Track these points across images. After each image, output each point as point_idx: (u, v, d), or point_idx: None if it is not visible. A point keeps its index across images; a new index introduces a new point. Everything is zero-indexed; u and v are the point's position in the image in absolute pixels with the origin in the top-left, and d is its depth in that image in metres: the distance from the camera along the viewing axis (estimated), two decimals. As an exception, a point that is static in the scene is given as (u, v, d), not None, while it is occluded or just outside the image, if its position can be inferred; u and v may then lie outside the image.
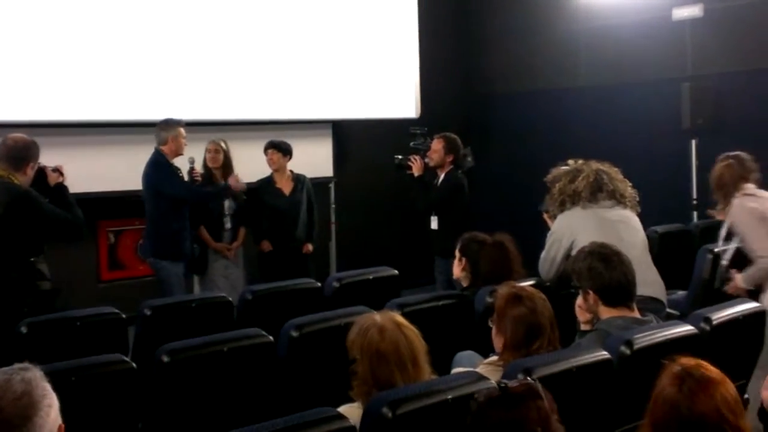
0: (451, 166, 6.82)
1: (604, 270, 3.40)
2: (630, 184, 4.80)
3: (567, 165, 4.75)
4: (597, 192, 4.45)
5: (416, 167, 6.72)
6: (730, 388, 2.19)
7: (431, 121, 10.06)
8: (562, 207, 4.44)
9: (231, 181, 6.50)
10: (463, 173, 6.93)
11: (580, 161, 4.75)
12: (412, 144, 7.16)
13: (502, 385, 2.07)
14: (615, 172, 4.75)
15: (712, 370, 2.24)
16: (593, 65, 9.59)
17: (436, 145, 6.83)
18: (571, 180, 4.46)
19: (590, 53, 9.64)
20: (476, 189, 10.89)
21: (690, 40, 8.79)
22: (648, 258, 4.43)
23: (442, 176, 6.79)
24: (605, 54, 9.42)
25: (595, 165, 4.68)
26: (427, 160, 6.79)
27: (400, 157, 7.00)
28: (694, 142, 8.46)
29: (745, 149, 8.33)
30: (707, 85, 8.33)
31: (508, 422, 1.94)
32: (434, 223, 6.72)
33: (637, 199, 4.75)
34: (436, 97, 10.19)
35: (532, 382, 2.05)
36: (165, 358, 3.18)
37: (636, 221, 4.60)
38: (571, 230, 4.36)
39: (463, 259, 4.39)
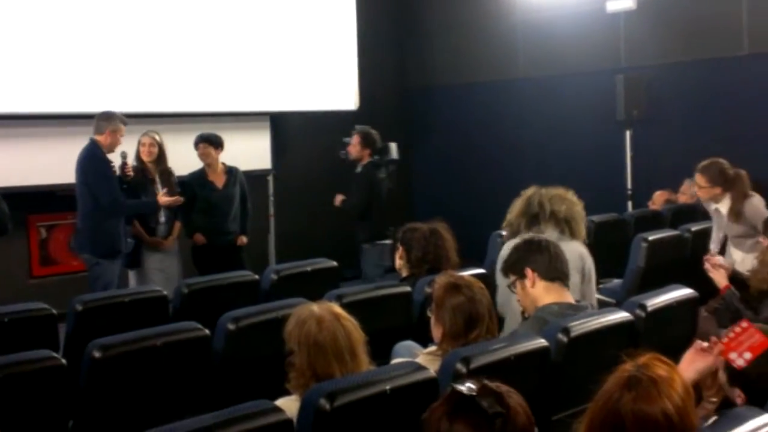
0: (369, 159, 7.24)
1: (536, 249, 3.47)
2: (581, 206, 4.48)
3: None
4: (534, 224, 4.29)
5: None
6: (678, 385, 2.15)
7: (371, 113, 10.05)
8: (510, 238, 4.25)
9: (161, 199, 6.36)
10: (384, 166, 7.37)
11: (531, 190, 4.49)
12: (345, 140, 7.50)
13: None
14: (563, 198, 4.40)
15: (661, 368, 2.18)
16: (531, 57, 9.67)
17: (354, 139, 7.29)
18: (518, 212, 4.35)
19: (528, 45, 9.71)
20: (417, 180, 10.96)
21: (624, 32, 8.92)
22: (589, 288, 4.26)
23: (359, 170, 7.29)
24: (542, 46, 9.50)
25: (542, 193, 4.42)
26: (344, 153, 7.29)
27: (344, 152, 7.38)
28: (628, 133, 8.59)
29: (678, 140, 8.54)
30: (641, 76, 8.46)
31: None
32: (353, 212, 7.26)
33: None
34: (376, 90, 10.18)
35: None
36: (96, 354, 3.10)
37: (577, 253, 4.25)
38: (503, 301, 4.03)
39: (401, 249, 4.38)
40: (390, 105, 10.59)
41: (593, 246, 6.26)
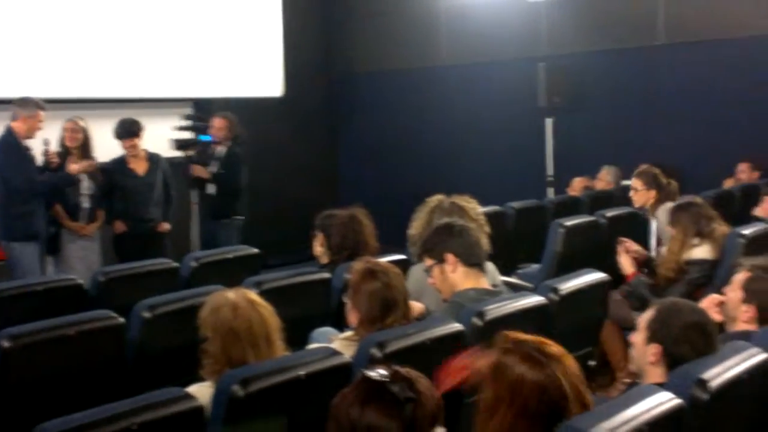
0: (230, 142, 7.52)
1: (457, 234, 3.50)
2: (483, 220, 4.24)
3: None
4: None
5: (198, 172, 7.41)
6: (571, 362, 2.23)
7: (296, 99, 10.03)
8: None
9: (71, 167, 6.23)
10: (240, 147, 7.63)
11: (436, 199, 4.30)
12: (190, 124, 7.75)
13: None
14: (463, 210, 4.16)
15: (555, 347, 2.27)
16: (454, 44, 9.75)
17: (220, 123, 7.47)
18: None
19: (451, 33, 9.79)
20: (342, 166, 10.97)
21: (545, 21, 9.06)
22: None
23: (223, 150, 7.47)
24: (465, 33, 9.59)
25: (444, 207, 4.19)
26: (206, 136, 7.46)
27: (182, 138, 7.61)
28: (549, 121, 8.74)
29: (598, 127, 8.72)
30: (562, 64, 8.61)
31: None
32: (211, 189, 7.43)
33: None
34: (301, 76, 10.15)
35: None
36: (5, 344, 3.03)
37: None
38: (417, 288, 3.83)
39: (321, 235, 4.38)
40: (315, 91, 10.57)
41: (513, 232, 6.42)
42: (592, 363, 3.98)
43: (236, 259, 4.83)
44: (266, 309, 2.82)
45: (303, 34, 10.23)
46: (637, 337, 2.74)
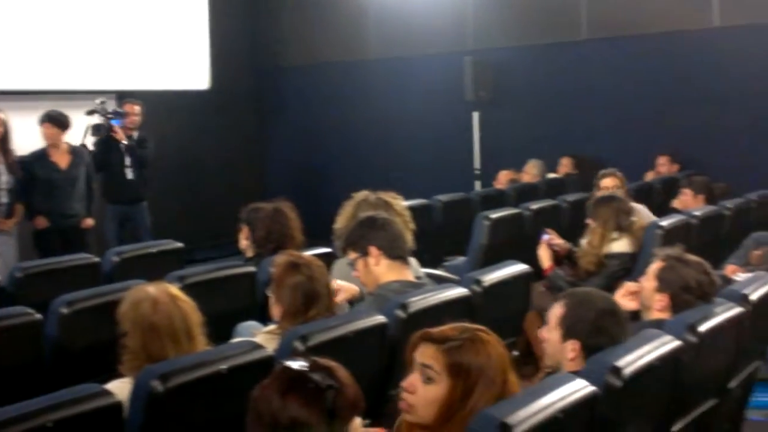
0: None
1: (380, 226, 3.52)
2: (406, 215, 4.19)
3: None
4: None
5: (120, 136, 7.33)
6: (500, 347, 2.30)
7: (223, 92, 9.94)
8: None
9: None
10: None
11: (362, 194, 4.27)
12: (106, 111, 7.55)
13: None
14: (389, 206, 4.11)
15: (486, 332, 2.33)
16: (382, 38, 9.78)
17: (139, 109, 7.62)
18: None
19: (379, 26, 9.82)
20: (271, 159, 10.90)
21: (472, 15, 9.15)
22: None
23: (139, 135, 7.57)
24: (393, 27, 9.63)
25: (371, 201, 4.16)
26: (121, 123, 7.39)
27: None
28: (476, 114, 8.83)
29: (523, 121, 8.85)
30: (488, 59, 8.71)
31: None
32: (130, 174, 7.40)
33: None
34: (228, 69, 10.06)
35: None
36: None
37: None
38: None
39: (246, 229, 4.35)
40: (243, 84, 10.48)
41: (440, 225, 6.48)
42: (515, 353, 4.04)
43: (160, 253, 4.77)
44: (187, 303, 2.79)
45: (230, 25, 10.13)
46: (551, 335, 2.78)
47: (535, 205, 6.05)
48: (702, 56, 7.95)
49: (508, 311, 3.93)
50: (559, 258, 4.99)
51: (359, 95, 9.92)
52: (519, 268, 4.01)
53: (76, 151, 6.76)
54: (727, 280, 4.25)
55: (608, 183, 5.78)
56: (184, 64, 9.54)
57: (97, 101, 7.41)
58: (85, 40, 8.41)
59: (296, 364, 1.94)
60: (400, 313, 3.21)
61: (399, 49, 9.56)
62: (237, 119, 10.53)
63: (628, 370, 2.44)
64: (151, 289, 2.79)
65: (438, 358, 2.22)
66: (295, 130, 10.54)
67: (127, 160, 7.33)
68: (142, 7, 8.98)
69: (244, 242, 4.39)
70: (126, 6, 8.84)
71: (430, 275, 4.20)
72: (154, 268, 4.42)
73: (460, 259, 5.78)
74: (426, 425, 2.22)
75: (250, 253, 4.37)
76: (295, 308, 3.09)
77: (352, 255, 3.56)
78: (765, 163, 7.41)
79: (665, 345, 2.68)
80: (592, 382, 2.35)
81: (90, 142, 7.33)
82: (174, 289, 2.84)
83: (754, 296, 3.27)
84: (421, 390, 2.22)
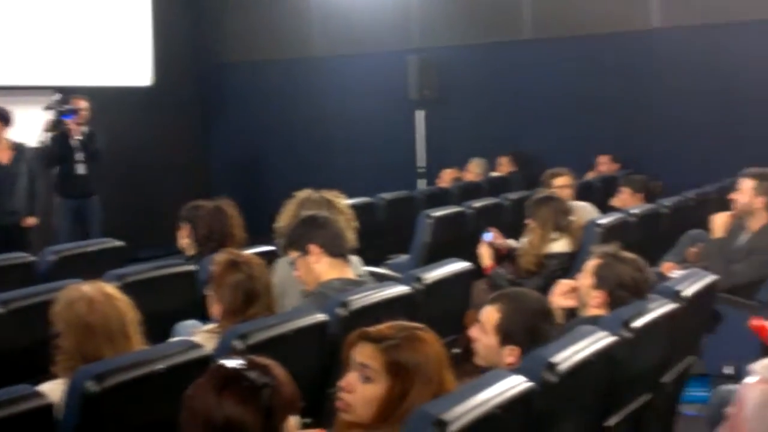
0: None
1: (321, 225, 3.52)
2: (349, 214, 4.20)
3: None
4: None
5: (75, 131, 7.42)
6: (438, 345, 2.33)
7: (166, 89, 9.82)
8: None
9: None
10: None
11: (304, 192, 4.25)
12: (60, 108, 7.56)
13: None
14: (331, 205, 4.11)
15: (424, 329, 2.36)
16: (326, 36, 9.76)
17: (87, 103, 7.66)
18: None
19: (323, 24, 9.80)
20: (214, 157, 10.80)
21: (416, 14, 9.18)
22: None
23: (87, 130, 7.59)
24: (337, 25, 9.62)
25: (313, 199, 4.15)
26: (73, 119, 7.42)
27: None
28: (421, 113, 8.86)
29: (467, 120, 8.91)
30: (432, 57, 8.74)
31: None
32: (82, 169, 7.48)
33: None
34: (172, 66, 9.95)
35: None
36: None
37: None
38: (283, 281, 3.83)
39: (186, 227, 4.31)
40: (186, 81, 10.38)
41: (384, 223, 6.49)
42: (456, 350, 4.07)
43: (99, 252, 4.70)
44: (123, 302, 2.75)
45: (173, 21, 10.02)
46: (488, 339, 2.81)
47: (477, 204, 6.10)
48: (641, 57, 8.09)
49: (449, 309, 3.96)
50: (500, 257, 5.04)
51: (303, 93, 9.89)
52: (460, 266, 4.04)
53: (18, 148, 6.64)
54: (664, 277, 4.33)
55: (560, 182, 5.85)
56: (127, 60, 9.42)
57: (53, 97, 7.42)
58: (27, 36, 8.26)
59: (232, 362, 1.93)
60: (341, 311, 3.21)
61: (343, 47, 9.56)
62: (180, 116, 10.42)
63: (563, 366, 2.48)
64: (86, 288, 2.75)
65: (376, 357, 2.22)
66: (239, 128, 10.47)
67: (79, 155, 7.36)
68: (85, 4, 8.84)
69: (184, 241, 4.35)
70: (69, 2, 8.68)
71: (372, 273, 4.21)
72: (92, 267, 4.35)
73: (404, 258, 5.80)
74: (364, 424, 2.23)
75: (190, 252, 4.33)
76: (235, 307, 3.08)
77: (293, 254, 3.55)
78: (702, 162, 7.58)
79: (600, 341, 2.72)
80: (529, 377, 2.38)
81: (44, 137, 7.27)
82: (110, 288, 2.81)
83: (688, 292, 3.35)
84: (360, 389, 2.23)
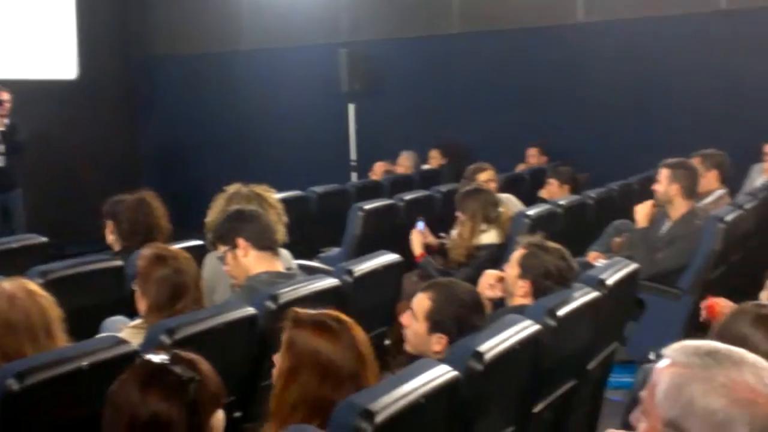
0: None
1: (248, 219, 3.51)
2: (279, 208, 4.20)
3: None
4: None
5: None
6: (362, 332, 2.35)
7: (91, 82, 9.63)
8: None
9: None
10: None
11: (234, 187, 4.22)
12: None
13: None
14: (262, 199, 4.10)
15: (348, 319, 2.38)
16: (256, 29, 9.70)
17: (8, 95, 7.53)
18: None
19: (252, 16, 9.73)
20: (143, 152, 10.64)
21: (346, 7, 9.18)
22: None
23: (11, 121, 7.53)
24: (267, 18, 9.56)
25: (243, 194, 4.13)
26: None
27: None
28: (352, 106, 8.87)
29: (398, 113, 8.95)
30: (363, 51, 8.75)
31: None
32: (2, 162, 7.44)
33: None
34: (97, 58, 9.77)
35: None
36: None
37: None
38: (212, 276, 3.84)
39: (110, 223, 4.24)
40: (113, 74, 10.19)
41: (315, 216, 6.48)
42: (387, 342, 4.10)
43: (21, 248, 4.59)
44: (46, 299, 2.70)
45: (98, 13, 9.83)
46: (417, 326, 2.85)
47: (408, 196, 6.14)
48: (567, 50, 8.23)
49: (379, 301, 3.98)
50: (431, 251, 5.08)
51: (233, 86, 9.81)
52: (390, 258, 4.05)
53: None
54: (590, 267, 4.41)
55: (484, 177, 5.92)
56: (51, 53, 9.20)
57: None
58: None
59: (156, 357, 1.92)
60: (270, 305, 3.21)
61: (273, 40, 9.50)
62: (108, 110, 10.23)
63: (489, 355, 2.52)
64: (7, 284, 2.70)
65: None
66: (170, 122, 10.33)
67: (0, 148, 7.27)
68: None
69: (110, 237, 4.28)
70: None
71: (302, 266, 4.21)
72: (15, 263, 4.26)
73: (336, 250, 5.81)
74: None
75: (117, 247, 4.26)
76: (162, 302, 3.05)
77: (222, 248, 3.54)
78: (627, 154, 7.74)
79: (525, 329, 2.77)
80: (455, 367, 2.41)
81: None
82: (32, 285, 2.75)
83: (611, 281, 3.42)
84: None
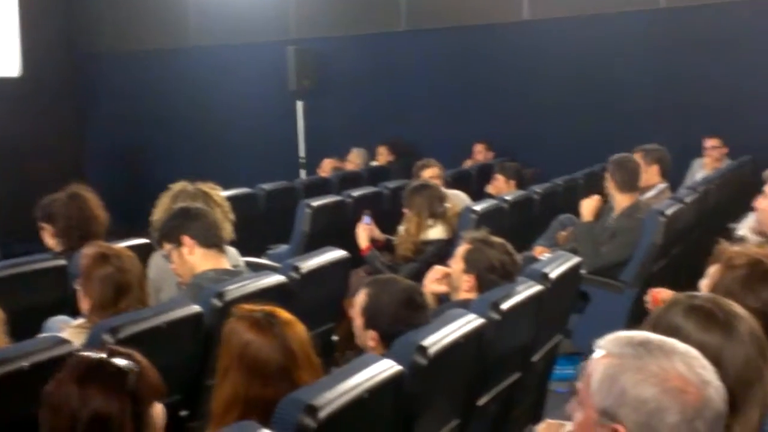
0: None
1: (193, 216, 3.50)
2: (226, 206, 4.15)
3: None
4: None
5: None
6: (301, 329, 2.37)
7: (35, 80, 9.47)
8: None
9: None
10: None
11: (179, 185, 4.17)
12: None
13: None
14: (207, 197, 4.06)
15: (286, 314, 2.40)
16: (203, 26, 9.63)
17: None
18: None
19: (200, 14, 9.65)
20: (89, 151, 10.49)
21: (294, 5, 9.16)
22: None
23: None
24: (214, 15, 9.50)
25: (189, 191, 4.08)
26: None
27: None
28: (300, 104, 8.85)
29: (346, 110, 8.96)
30: (311, 48, 8.75)
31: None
32: None
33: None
34: (41, 55, 9.61)
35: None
36: None
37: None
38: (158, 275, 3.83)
39: (47, 226, 4.17)
40: (57, 71, 10.03)
41: (264, 214, 6.47)
42: (335, 338, 4.11)
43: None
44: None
45: (42, 11, 9.66)
46: (357, 321, 2.88)
47: (356, 193, 6.15)
48: (513, 48, 8.31)
49: (326, 297, 3.98)
50: (378, 247, 5.10)
51: (181, 84, 9.72)
52: (337, 254, 4.06)
53: None
54: (535, 261, 4.47)
55: (429, 174, 5.95)
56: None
57: None
58: None
59: (93, 352, 1.91)
60: (216, 302, 3.19)
61: (220, 37, 9.44)
62: (53, 108, 10.07)
63: (433, 349, 2.54)
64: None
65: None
66: (115, 119, 10.20)
67: None
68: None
69: (49, 240, 4.20)
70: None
71: (249, 264, 4.20)
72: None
73: (284, 247, 5.80)
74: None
75: (59, 248, 4.20)
76: (105, 301, 3.02)
77: (167, 246, 3.51)
78: (571, 150, 7.85)
79: (470, 323, 2.80)
80: (399, 361, 2.43)
81: None
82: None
83: (554, 274, 3.47)
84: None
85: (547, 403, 3.80)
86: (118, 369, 1.82)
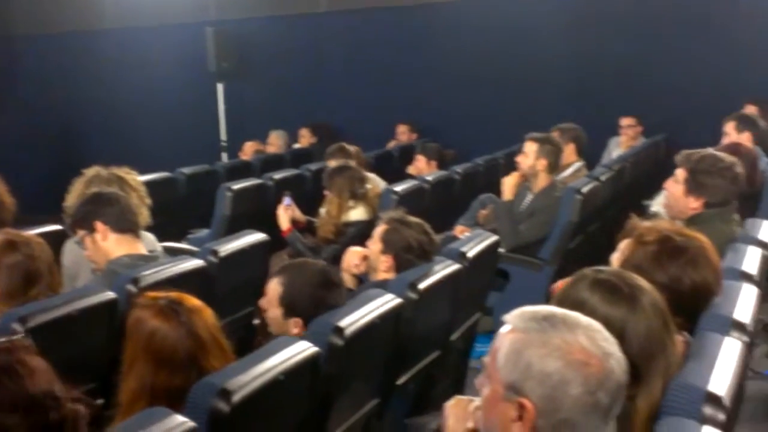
0: None
1: (106, 202, 3.42)
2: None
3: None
4: None
5: None
6: (208, 314, 2.35)
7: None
8: None
9: None
10: None
11: (93, 170, 4.05)
12: None
13: None
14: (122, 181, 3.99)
15: (194, 301, 2.37)
16: (118, 7, 9.42)
17: None
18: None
19: (115, -6, 9.45)
20: (5, 135, 10.17)
21: (214, -15, 9.03)
22: None
23: None
24: (130, -4, 9.31)
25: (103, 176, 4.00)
26: None
27: None
28: (221, 86, 8.75)
29: (267, 93, 8.88)
30: (231, 30, 8.64)
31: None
32: None
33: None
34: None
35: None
36: None
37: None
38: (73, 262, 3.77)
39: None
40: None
41: (184, 198, 6.38)
42: (256, 321, 4.08)
43: None
44: None
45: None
46: (273, 312, 2.86)
47: (278, 175, 6.11)
48: (435, 28, 8.34)
49: (246, 280, 3.95)
50: (300, 229, 5.08)
51: (98, 67, 9.50)
52: (257, 237, 4.03)
53: None
54: (455, 240, 4.51)
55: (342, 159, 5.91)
56: None
57: None
58: None
59: None
60: (131, 288, 3.13)
61: (137, 18, 9.25)
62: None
63: (350, 330, 2.54)
64: None
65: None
66: (32, 103, 9.90)
67: None
68: None
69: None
70: None
71: (167, 248, 4.13)
72: None
73: (205, 232, 5.73)
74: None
75: (-34, 240, 4.05)
76: (14, 289, 2.93)
77: (80, 232, 3.44)
78: (492, 129, 7.93)
79: (387, 303, 2.82)
80: (316, 343, 2.43)
81: None
82: None
83: (471, 253, 3.50)
84: None
85: (468, 381, 3.85)
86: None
